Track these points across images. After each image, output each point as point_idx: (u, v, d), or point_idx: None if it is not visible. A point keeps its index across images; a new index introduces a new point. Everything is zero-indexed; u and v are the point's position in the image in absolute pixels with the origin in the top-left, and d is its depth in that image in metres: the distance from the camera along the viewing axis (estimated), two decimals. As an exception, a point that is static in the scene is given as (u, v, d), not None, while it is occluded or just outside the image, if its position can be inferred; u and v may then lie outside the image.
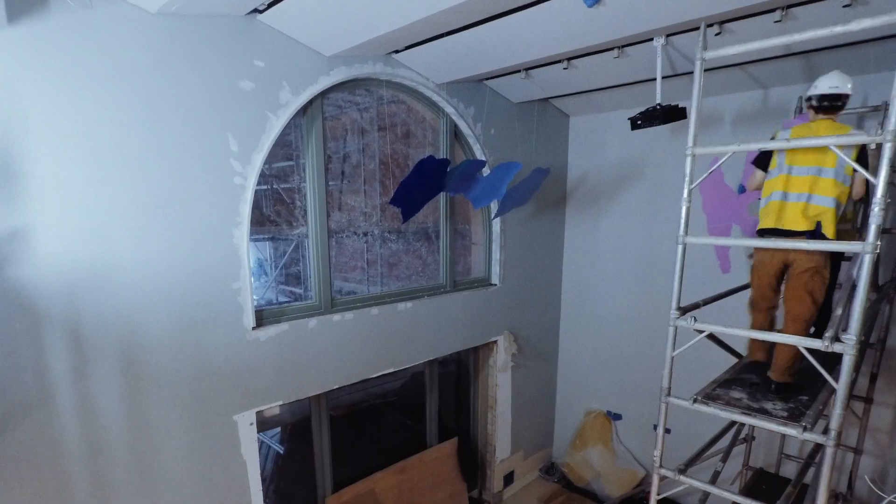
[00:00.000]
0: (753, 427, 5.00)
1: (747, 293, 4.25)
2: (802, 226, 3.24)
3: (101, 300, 3.44)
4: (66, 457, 3.45)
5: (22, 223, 3.11)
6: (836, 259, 4.34)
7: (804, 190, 3.26)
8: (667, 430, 3.56)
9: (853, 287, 2.82)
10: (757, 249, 3.63)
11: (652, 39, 4.19)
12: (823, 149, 3.15)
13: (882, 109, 4.39)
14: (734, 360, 4.15)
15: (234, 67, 3.85)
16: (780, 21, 3.63)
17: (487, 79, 5.55)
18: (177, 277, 3.74)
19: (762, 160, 3.57)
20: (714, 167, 3.25)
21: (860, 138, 2.75)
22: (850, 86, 3.25)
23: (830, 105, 3.28)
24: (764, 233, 3.41)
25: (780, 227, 3.32)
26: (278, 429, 5.40)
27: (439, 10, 3.58)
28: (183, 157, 3.68)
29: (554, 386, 7.81)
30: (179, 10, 3.50)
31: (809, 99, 3.38)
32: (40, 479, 3.36)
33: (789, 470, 5.43)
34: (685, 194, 3.23)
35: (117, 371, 3.58)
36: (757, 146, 3.23)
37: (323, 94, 4.49)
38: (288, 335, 4.42)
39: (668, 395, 3.42)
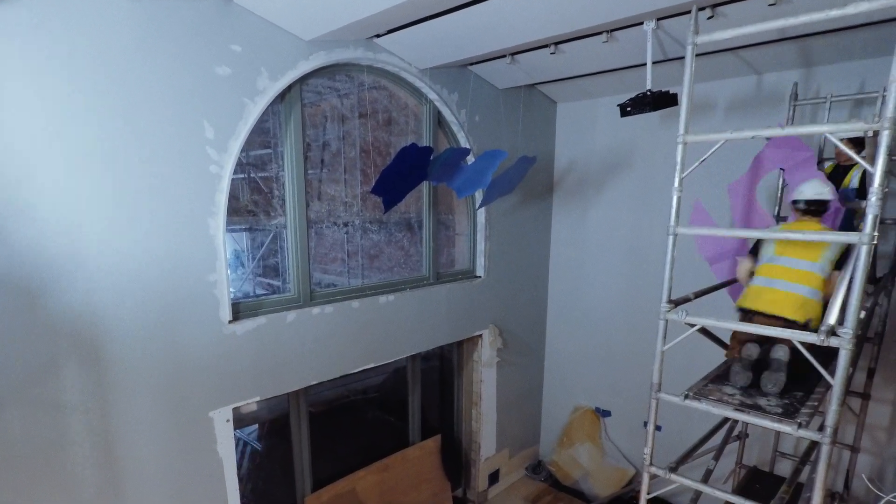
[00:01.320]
0: (747, 424, 4.94)
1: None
2: (788, 313, 3.28)
3: (72, 291, 3.37)
4: (36, 453, 3.37)
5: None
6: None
7: (793, 280, 3.38)
8: (657, 427, 3.51)
9: (850, 280, 2.75)
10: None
11: (642, 23, 4.12)
12: (811, 246, 3.35)
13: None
14: (726, 354, 4.07)
15: (211, 52, 3.78)
16: (774, 4, 3.58)
17: (472, 64, 5.45)
18: (150, 269, 3.68)
19: (754, 248, 3.74)
20: (707, 155, 3.18)
21: (857, 125, 2.68)
22: (829, 190, 3.46)
23: (816, 209, 3.48)
24: (746, 312, 3.48)
25: (764, 310, 3.36)
26: (256, 426, 5.34)
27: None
28: (157, 144, 3.61)
29: (540, 381, 7.73)
30: (152, -8, 3.41)
31: (796, 202, 3.54)
32: (9, 476, 3.29)
33: (784, 468, 5.35)
34: (676, 183, 3.15)
35: (88, 364, 3.50)
36: (751, 134, 3.21)
37: (302, 80, 4.41)
38: (265, 329, 4.35)
39: (659, 390, 3.36)
